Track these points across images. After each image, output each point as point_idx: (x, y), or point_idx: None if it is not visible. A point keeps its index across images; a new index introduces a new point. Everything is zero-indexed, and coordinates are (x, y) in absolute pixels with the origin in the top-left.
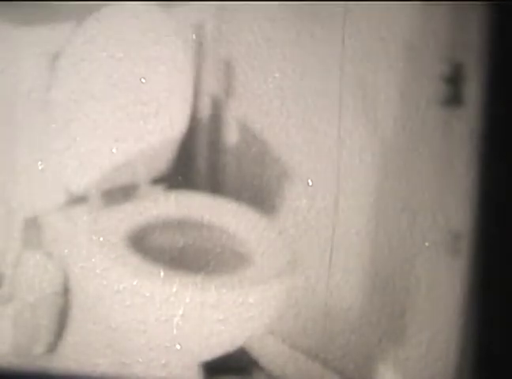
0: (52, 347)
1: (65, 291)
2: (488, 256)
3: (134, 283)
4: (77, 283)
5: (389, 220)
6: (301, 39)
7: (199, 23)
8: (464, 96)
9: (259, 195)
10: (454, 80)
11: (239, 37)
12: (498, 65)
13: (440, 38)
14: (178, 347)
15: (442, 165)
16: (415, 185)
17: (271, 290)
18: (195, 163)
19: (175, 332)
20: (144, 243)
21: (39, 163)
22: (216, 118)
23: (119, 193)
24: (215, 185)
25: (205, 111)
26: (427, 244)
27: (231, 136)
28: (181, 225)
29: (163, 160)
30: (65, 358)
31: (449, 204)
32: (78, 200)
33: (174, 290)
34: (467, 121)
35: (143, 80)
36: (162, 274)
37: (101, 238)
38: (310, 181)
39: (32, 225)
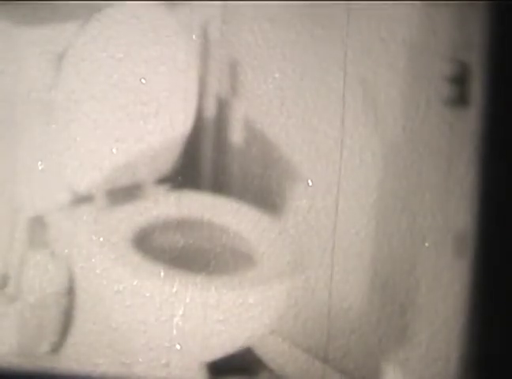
0: (56, 347)
1: (69, 291)
2: (489, 256)
3: (135, 283)
4: (79, 283)
5: (389, 220)
6: (301, 39)
7: (203, 23)
8: (469, 96)
9: (263, 195)
10: (459, 80)
11: (243, 37)
12: (500, 64)
13: (444, 37)
14: (178, 346)
15: (442, 165)
16: (415, 186)
17: (271, 291)
18: (199, 164)
19: (174, 332)
20: (147, 243)
21: (39, 163)
22: (221, 119)
23: (123, 193)
24: (218, 186)
25: (210, 111)
26: (426, 244)
27: (236, 136)
28: (184, 225)
29: (167, 160)
30: (66, 358)
31: (450, 205)
32: (82, 200)
33: (174, 290)
34: (468, 121)
35: (143, 80)
36: (162, 274)
37: (104, 238)
38: (310, 181)
39: (36, 225)
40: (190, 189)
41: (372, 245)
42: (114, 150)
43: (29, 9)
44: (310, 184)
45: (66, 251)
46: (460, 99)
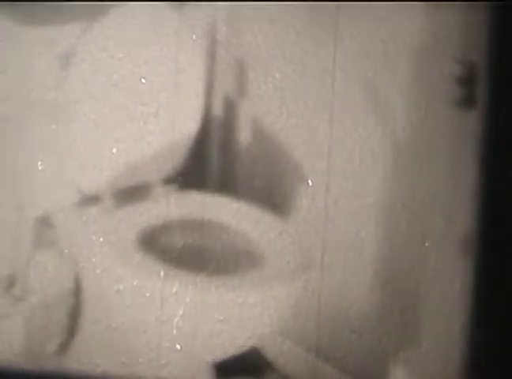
0: (63, 347)
1: (76, 291)
2: (490, 256)
3: (135, 283)
4: (85, 282)
5: (389, 220)
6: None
7: (210, 23)
8: (476, 98)
9: (269, 195)
10: (466, 82)
11: (250, 37)
12: (506, 65)
13: (451, 39)
14: (178, 346)
15: (443, 165)
16: (415, 186)
17: (271, 291)
18: (206, 164)
19: (174, 332)
20: (153, 243)
21: (39, 163)
22: (228, 119)
23: (130, 194)
24: (225, 186)
25: (217, 111)
26: (426, 244)
27: (243, 136)
28: (190, 225)
29: (173, 161)
30: (66, 358)
31: (450, 204)
32: (89, 200)
33: (174, 290)
34: (473, 122)
35: (143, 80)
36: (162, 274)
37: (110, 238)
38: (310, 181)
39: (43, 225)
40: (197, 189)
41: (372, 246)
42: (120, 150)
43: (31, 9)
44: (310, 184)
45: (73, 251)
46: (466, 100)
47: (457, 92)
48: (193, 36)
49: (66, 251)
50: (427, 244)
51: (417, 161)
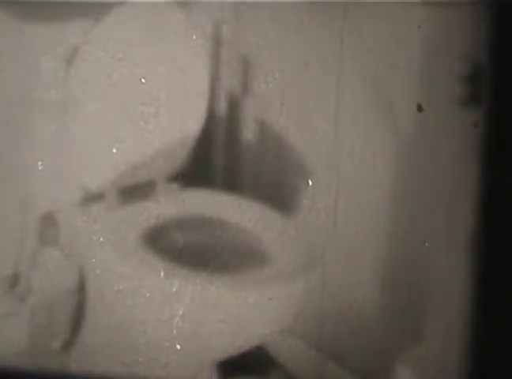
0: (67, 345)
1: (80, 289)
2: (491, 256)
3: (135, 282)
4: (89, 281)
5: (389, 220)
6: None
7: (214, 22)
8: (480, 96)
9: (274, 193)
10: (472, 80)
11: (254, 36)
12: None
13: (456, 36)
14: (178, 346)
15: (443, 165)
16: (416, 185)
17: (272, 291)
18: (211, 161)
19: (174, 332)
20: (157, 241)
21: (40, 163)
22: (233, 117)
23: (135, 191)
24: (230, 184)
25: (222, 110)
26: (426, 244)
27: (248, 134)
28: (194, 224)
29: (178, 159)
30: (66, 358)
31: (451, 204)
32: (94, 198)
33: (174, 290)
34: (475, 121)
35: (142, 80)
36: (162, 274)
37: (112, 237)
38: (310, 181)
39: (48, 222)
40: (201, 187)
41: (372, 246)
42: (123, 149)
43: (32, 8)
44: (310, 184)
45: (75, 250)
46: (471, 99)
47: (461, 91)
48: (197, 35)
49: (72, 249)
50: (426, 244)
51: (418, 161)
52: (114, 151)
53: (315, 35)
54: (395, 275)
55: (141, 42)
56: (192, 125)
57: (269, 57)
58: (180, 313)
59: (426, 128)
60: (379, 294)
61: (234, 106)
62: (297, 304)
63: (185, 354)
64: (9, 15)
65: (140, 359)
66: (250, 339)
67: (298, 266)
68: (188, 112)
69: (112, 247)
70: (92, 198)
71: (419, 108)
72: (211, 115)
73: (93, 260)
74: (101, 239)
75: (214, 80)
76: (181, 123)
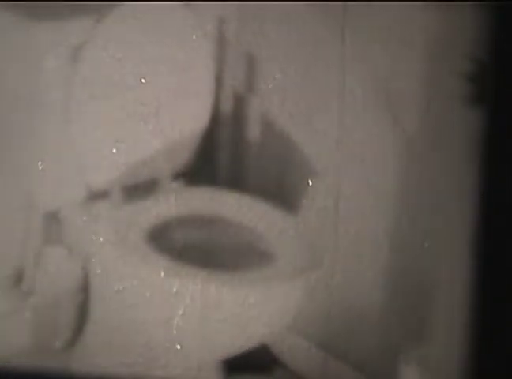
0: (70, 344)
1: (84, 288)
2: (491, 256)
3: (137, 282)
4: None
5: (389, 220)
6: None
7: (219, 21)
8: (484, 95)
9: (279, 192)
10: (476, 79)
11: (259, 35)
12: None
13: (459, 36)
14: (178, 347)
15: (443, 165)
16: (416, 185)
17: (272, 291)
18: (215, 159)
19: (174, 332)
20: (157, 242)
21: (39, 162)
22: (238, 115)
23: (139, 189)
24: (235, 182)
25: (227, 107)
26: (426, 244)
27: (253, 132)
28: (197, 222)
29: (183, 156)
30: (65, 358)
31: (451, 204)
32: (98, 196)
33: (174, 289)
34: (478, 121)
35: (142, 80)
36: (162, 274)
37: (115, 235)
38: (310, 181)
39: (52, 220)
40: (206, 185)
41: (373, 245)
42: (127, 147)
43: (33, 8)
44: (311, 184)
45: (78, 249)
46: (475, 99)
47: (466, 90)
48: (199, 35)
49: (76, 248)
50: (426, 244)
51: (420, 160)
52: (115, 151)
53: (318, 35)
54: (395, 275)
55: (142, 42)
56: (195, 124)
57: (272, 56)
58: (180, 313)
59: (428, 128)
60: (380, 293)
61: (237, 105)
62: (297, 304)
63: (185, 354)
64: (10, 15)
65: (140, 359)
66: (250, 338)
67: (299, 266)
68: (191, 112)
69: (113, 247)
70: (96, 197)
71: None
72: (215, 114)
73: (94, 260)
74: (101, 239)
75: (218, 79)
76: (183, 123)
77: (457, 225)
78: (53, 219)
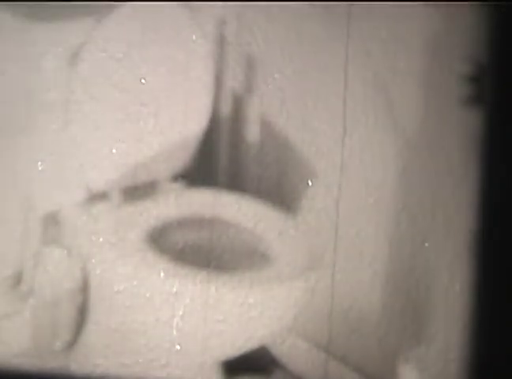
0: (70, 345)
1: (83, 289)
2: (491, 256)
3: (137, 282)
4: (92, 281)
5: (389, 220)
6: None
7: (219, 22)
8: (484, 96)
9: (278, 193)
10: (475, 80)
11: (258, 35)
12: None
13: (460, 37)
14: (178, 347)
15: (443, 165)
16: (416, 185)
17: (272, 291)
18: (214, 161)
19: (174, 332)
20: (156, 242)
21: (39, 163)
22: (237, 116)
23: (139, 191)
24: (234, 183)
25: (226, 109)
26: (426, 244)
27: (252, 133)
28: (197, 223)
29: (182, 158)
30: (65, 359)
31: (451, 204)
32: (98, 197)
33: (174, 290)
34: (477, 122)
35: (142, 81)
36: (162, 274)
37: (111, 238)
38: (309, 181)
39: (52, 221)
40: (204, 186)
41: (373, 246)
42: (127, 149)
43: (33, 8)
44: (310, 184)
45: (80, 248)
46: (474, 99)
47: (463, 91)
48: (198, 36)
49: (75, 248)
50: (426, 244)
51: (419, 161)
52: (114, 151)
53: (317, 36)
54: (395, 275)
55: (142, 42)
56: (194, 125)
57: (272, 57)
58: (180, 313)
59: (427, 128)
60: (380, 293)
61: (237, 106)
62: (297, 304)
63: (185, 354)
64: (10, 15)
65: (140, 360)
66: (250, 339)
67: (299, 266)
68: (190, 112)
69: (112, 247)
70: (95, 198)
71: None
72: (214, 115)
73: (93, 261)
74: (101, 239)
75: (217, 80)
76: (183, 123)
77: (457, 225)
78: (52, 219)
